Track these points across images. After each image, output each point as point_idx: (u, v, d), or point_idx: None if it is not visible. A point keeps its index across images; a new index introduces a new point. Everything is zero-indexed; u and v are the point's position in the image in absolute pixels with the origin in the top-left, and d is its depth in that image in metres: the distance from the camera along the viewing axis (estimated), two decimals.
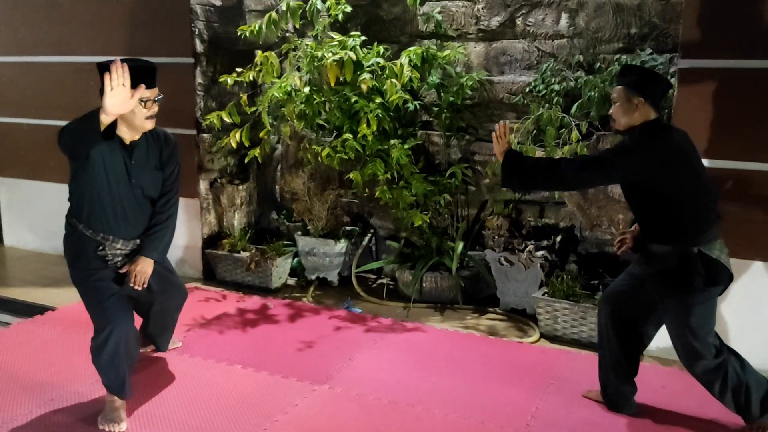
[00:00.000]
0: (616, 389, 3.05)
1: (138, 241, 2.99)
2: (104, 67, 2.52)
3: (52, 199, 5.57)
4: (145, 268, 2.98)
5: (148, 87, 2.71)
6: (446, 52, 4.40)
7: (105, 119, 2.48)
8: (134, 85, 2.50)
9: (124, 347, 2.85)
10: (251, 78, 4.34)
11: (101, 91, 2.55)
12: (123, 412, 2.93)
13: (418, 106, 4.59)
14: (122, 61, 2.56)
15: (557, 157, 3.57)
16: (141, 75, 2.64)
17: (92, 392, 3.16)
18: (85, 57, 5.16)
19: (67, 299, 4.45)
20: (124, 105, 2.47)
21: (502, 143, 2.92)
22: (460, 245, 4.48)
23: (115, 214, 2.89)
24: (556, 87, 4.09)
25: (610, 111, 2.85)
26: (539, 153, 4.01)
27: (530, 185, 3.19)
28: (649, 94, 2.75)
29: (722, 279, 2.74)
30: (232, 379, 3.36)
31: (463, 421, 2.99)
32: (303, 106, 4.30)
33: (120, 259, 2.96)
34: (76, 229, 2.88)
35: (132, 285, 2.94)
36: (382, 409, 3.10)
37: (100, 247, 2.90)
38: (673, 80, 3.72)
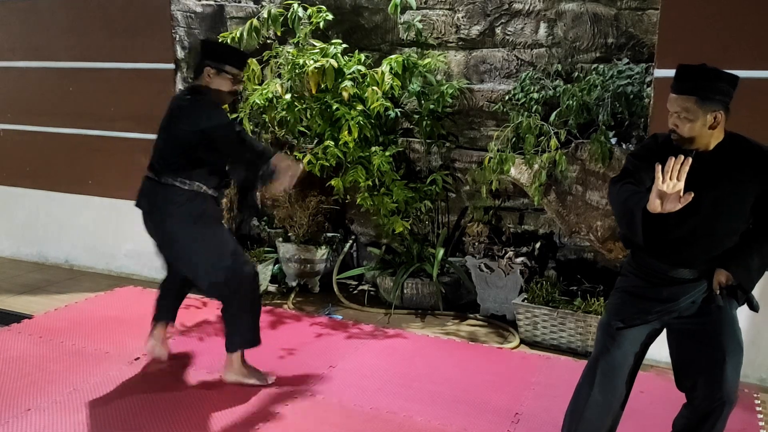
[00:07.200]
0: None
1: None
2: (214, 48, 3.29)
3: (29, 206, 5.51)
4: None
5: (239, 69, 3.27)
6: (427, 61, 4.43)
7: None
8: (227, 63, 3.15)
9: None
10: None
11: (199, 66, 3.17)
12: None
13: (399, 114, 4.61)
14: (209, 42, 3.37)
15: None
16: (237, 57, 3.24)
17: (70, 401, 3.11)
18: (64, 63, 5.12)
19: (44, 307, 4.39)
20: None
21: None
22: (441, 252, 4.51)
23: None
24: (535, 95, 4.14)
25: (675, 124, 2.23)
26: (519, 160, 4.06)
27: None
28: (728, 103, 2.22)
29: None
30: (212, 387, 3.34)
31: (444, 428, 3.01)
32: (284, 112, 4.31)
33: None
34: (199, 192, 3.23)
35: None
36: (363, 416, 3.10)
37: (217, 202, 3.35)
38: (649, 89, 3.80)
